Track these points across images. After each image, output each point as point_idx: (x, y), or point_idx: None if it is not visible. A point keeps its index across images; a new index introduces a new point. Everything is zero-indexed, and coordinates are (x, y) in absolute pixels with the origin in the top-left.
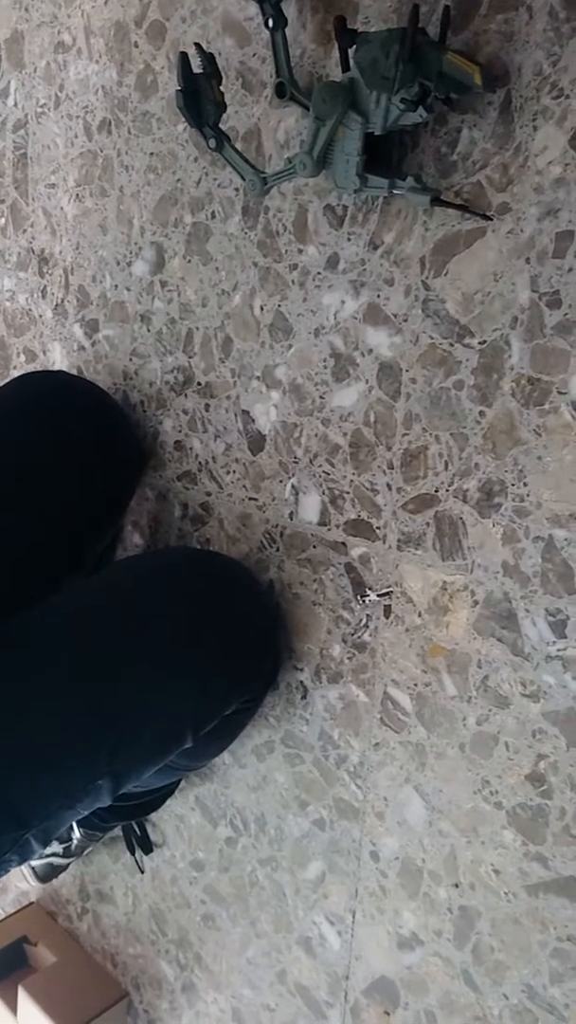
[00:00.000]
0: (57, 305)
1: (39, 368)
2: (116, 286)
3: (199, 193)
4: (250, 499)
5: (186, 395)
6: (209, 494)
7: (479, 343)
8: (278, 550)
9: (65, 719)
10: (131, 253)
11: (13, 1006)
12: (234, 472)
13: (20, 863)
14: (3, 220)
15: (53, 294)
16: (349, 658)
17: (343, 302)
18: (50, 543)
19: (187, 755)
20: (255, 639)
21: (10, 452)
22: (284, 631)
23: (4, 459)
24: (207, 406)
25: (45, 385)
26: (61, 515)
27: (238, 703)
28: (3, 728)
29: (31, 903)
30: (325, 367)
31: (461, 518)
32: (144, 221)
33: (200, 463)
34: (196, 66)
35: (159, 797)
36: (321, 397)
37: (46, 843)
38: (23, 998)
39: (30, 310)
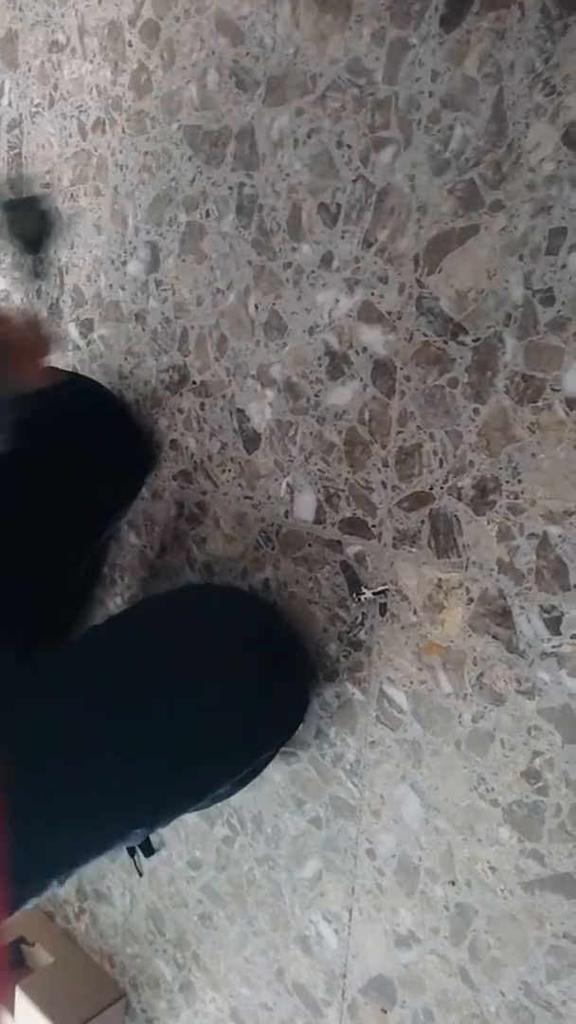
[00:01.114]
0: (52, 305)
1: None
2: (111, 285)
3: (193, 192)
4: (246, 498)
5: (181, 394)
6: (205, 493)
7: (473, 340)
8: (274, 548)
9: (108, 776)
10: (125, 252)
11: (11, 1007)
12: (230, 471)
13: (37, 901)
14: None
15: (48, 293)
16: (345, 656)
17: (337, 300)
18: (53, 540)
19: (212, 799)
20: (295, 694)
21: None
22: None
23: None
24: (202, 405)
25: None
26: (65, 516)
27: (274, 749)
28: (44, 784)
29: None
30: (320, 365)
31: (456, 515)
32: (138, 220)
33: (196, 462)
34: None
35: None
36: (316, 395)
37: (63, 883)
38: (21, 998)
39: (25, 309)
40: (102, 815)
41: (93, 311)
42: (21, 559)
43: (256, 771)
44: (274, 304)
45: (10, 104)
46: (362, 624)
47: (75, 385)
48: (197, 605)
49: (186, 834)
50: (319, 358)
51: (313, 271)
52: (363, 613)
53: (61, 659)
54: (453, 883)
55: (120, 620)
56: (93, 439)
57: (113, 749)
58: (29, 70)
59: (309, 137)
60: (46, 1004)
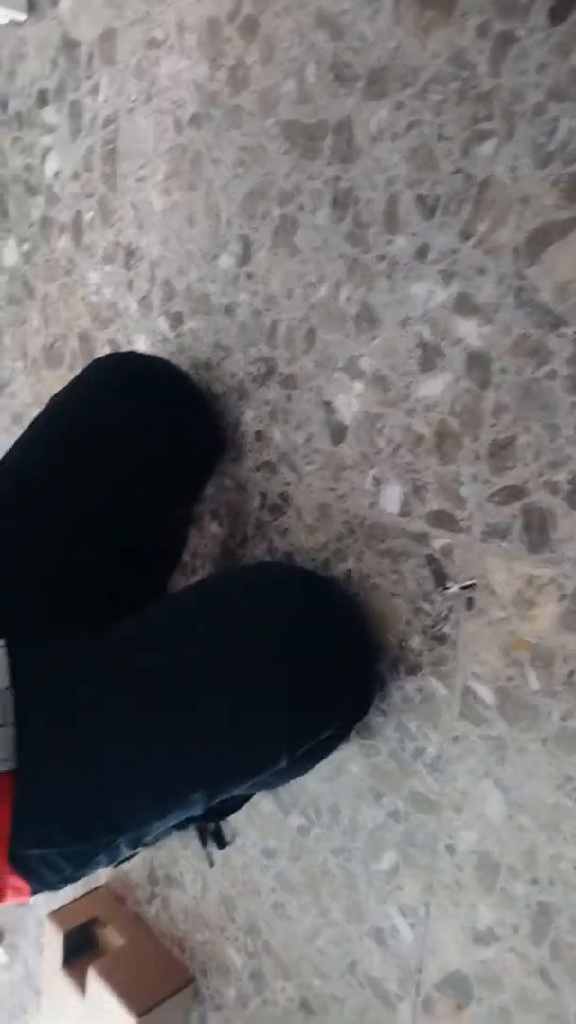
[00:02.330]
0: (143, 298)
1: None
2: (202, 279)
3: (288, 186)
4: (330, 489)
5: (268, 386)
6: (288, 484)
7: (574, 333)
8: (357, 540)
9: (165, 734)
10: (218, 246)
11: (83, 987)
12: (314, 462)
13: (107, 864)
14: (91, 214)
15: (139, 287)
16: (429, 650)
17: (432, 292)
18: (126, 522)
19: (276, 774)
20: (358, 666)
21: (89, 429)
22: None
23: (84, 435)
24: (289, 397)
25: (130, 366)
26: (137, 495)
27: (333, 729)
28: (103, 739)
29: (100, 886)
30: (411, 357)
31: (550, 510)
32: (231, 214)
33: (280, 453)
34: None
35: (237, 804)
36: (406, 387)
37: (135, 847)
38: (93, 979)
39: (115, 303)
40: (160, 773)
41: (183, 304)
42: (98, 531)
43: (318, 754)
44: (366, 297)
45: (106, 100)
46: (447, 618)
47: (148, 361)
48: (262, 578)
49: (260, 823)
50: (411, 350)
51: (408, 263)
52: (449, 607)
53: (123, 627)
54: (535, 881)
55: (192, 586)
56: (167, 412)
57: (169, 707)
58: (126, 67)
59: (409, 130)
60: (118, 986)
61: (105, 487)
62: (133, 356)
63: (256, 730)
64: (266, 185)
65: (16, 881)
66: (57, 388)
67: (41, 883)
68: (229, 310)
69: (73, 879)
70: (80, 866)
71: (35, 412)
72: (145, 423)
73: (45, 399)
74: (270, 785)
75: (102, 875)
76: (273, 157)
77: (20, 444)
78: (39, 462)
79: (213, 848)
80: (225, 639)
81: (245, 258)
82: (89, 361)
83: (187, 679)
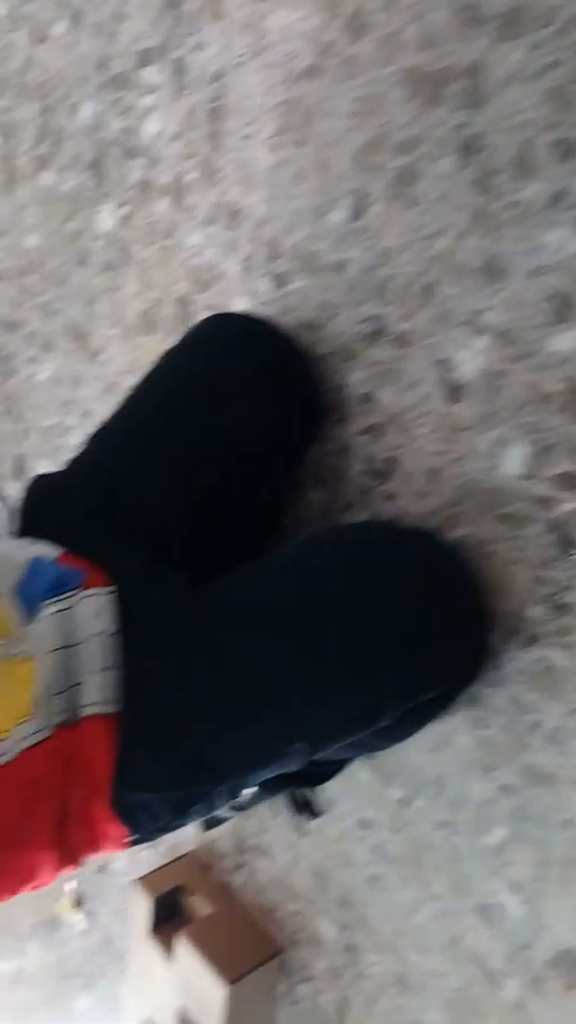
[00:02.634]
0: (245, 259)
1: None
2: (309, 236)
3: (407, 136)
4: (442, 452)
5: (378, 345)
6: (396, 447)
7: None
8: (472, 505)
9: (270, 683)
10: (328, 202)
11: (170, 953)
12: (426, 424)
13: (203, 815)
14: (193, 175)
15: (242, 248)
16: (550, 620)
17: (566, 240)
18: (228, 483)
19: (377, 734)
20: (469, 632)
21: (193, 391)
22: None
23: (186, 397)
24: (400, 356)
25: (235, 327)
26: (239, 457)
27: (438, 691)
28: (206, 686)
29: (185, 854)
30: (542, 310)
31: None
32: (344, 168)
33: (388, 416)
34: None
35: (333, 770)
36: (535, 342)
37: (231, 798)
38: (182, 946)
39: (216, 265)
40: (263, 720)
41: (288, 264)
42: (201, 492)
43: (420, 718)
44: (492, 247)
45: (212, 57)
46: (570, 588)
47: (253, 321)
48: (368, 535)
49: (358, 793)
50: (542, 302)
51: (540, 211)
52: (573, 576)
53: (231, 576)
54: None
55: (306, 537)
56: (271, 374)
57: (274, 656)
58: (233, 22)
59: (546, 72)
60: (208, 953)
61: (208, 449)
62: (237, 317)
63: (361, 683)
64: (383, 136)
65: (116, 828)
66: (153, 355)
67: (139, 831)
68: (338, 268)
69: (169, 829)
70: (179, 814)
71: (129, 381)
72: (248, 386)
73: (140, 367)
74: (370, 747)
75: (188, 843)
76: (392, 107)
77: (127, 404)
78: (146, 422)
79: (305, 818)
80: (335, 592)
81: (358, 213)
82: (187, 326)
83: (294, 629)
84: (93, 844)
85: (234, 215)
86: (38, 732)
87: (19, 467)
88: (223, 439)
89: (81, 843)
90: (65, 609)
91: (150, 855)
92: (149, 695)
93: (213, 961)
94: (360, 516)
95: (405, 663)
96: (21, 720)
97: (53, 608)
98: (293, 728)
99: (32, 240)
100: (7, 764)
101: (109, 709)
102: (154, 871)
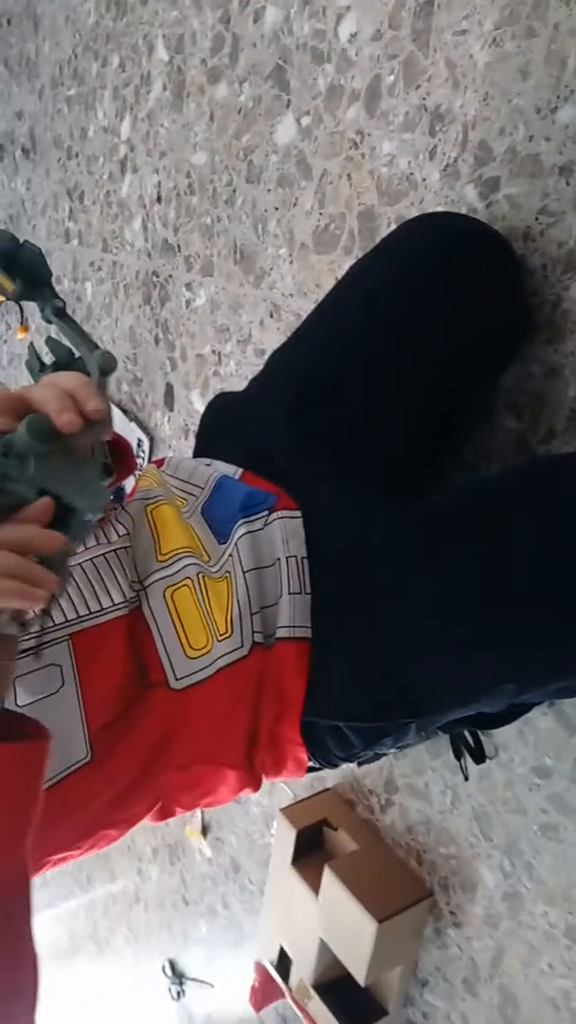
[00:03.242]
0: (447, 166)
1: None
2: (531, 137)
3: None
4: None
5: None
6: None
7: None
8: None
9: (493, 615)
10: (559, 98)
11: (314, 884)
12: None
13: (392, 747)
14: (392, 77)
15: (444, 153)
16: None
17: None
18: (420, 397)
19: None
20: None
21: (390, 292)
22: None
23: (380, 301)
24: None
25: (442, 224)
26: (435, 367)
27: None
28: (419, 612)
29: (327, 788)
30: None
31: None
32: None
33: None
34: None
35: (514, 715)
36: None
37: (422, 731)
38: (329, 879)
39: (411, 174)
40: (480, 655)
41: (502, 168)
42: (391, 405)
43: None
44: None
45: None
46: None
47: (466, 223)
48: None
49: (535, 740)
50: None
51: None
52: None
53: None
54: None
55: (513, 468)
56: (478, 282)
57: (502, 585)
58: None
59: None
60: (356, 889)
61: (402, 360)
62: (447, 215)
63: None
64: None
65: (300, 752)
66: (326, 275)
67: (323, 757)
68: (566, 170)
69: (353, 759)
70: (369, 743)
71: (296, 304)
72: (453, 288)
73: (309, 290)
74: (567, 693)
75: (328, 778)
76: None
77: (313, 318)
78: (334, 329)
79: (468, 761)
80: (547, 526)
81: None
82: (371, 243)
83: (525, 557)
84: (277, 766)
85: (438, 118)
86: (236, 650)
87: (169, 396)
88: (419, 346)
89: (266, 764)
90: (257, 530)
91: (287, 788)
92: (344, 622)
93: (361, 898)
94: (565, 447)
95: None
96: (222, 637)
97: (244, 529)
98: (508, 667)
99: (199, 158)
100: (207, 680)
101: (302, 634)
102: (297, 803)
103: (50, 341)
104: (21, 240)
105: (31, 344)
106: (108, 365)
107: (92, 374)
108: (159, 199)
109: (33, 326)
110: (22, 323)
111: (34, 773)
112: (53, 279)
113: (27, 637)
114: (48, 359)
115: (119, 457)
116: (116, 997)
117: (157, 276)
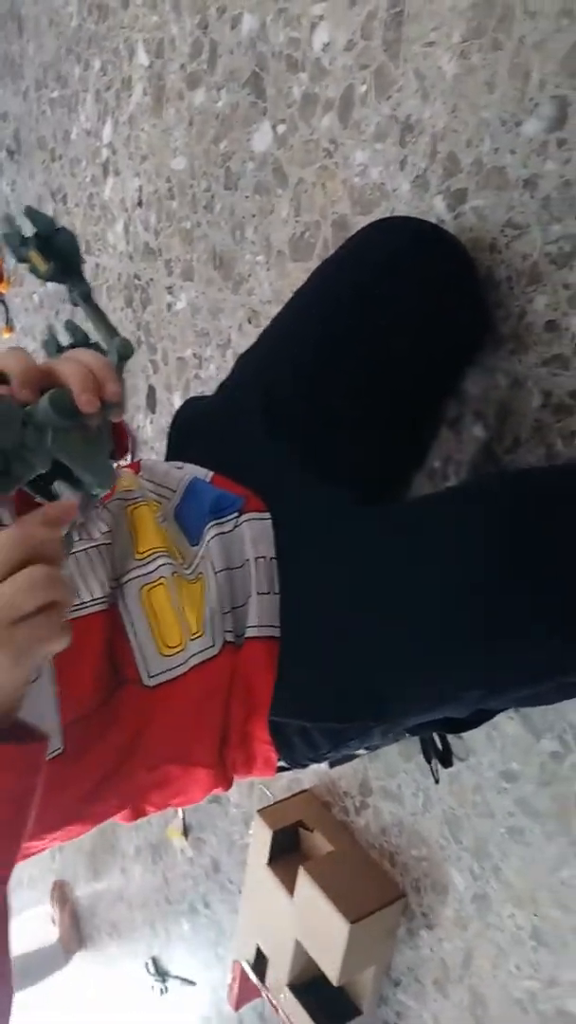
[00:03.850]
0: (417, 176)
1: None
2: (496, 149)
3: None
4: None
5: (571, 268)
6: None
7: None
8: None
9: (460, 619)
10: (523, 111)
11: (289, 885)
12: None
13: (356, 749)
14: (365, 87)
15: (414, 164)
16: None
17: None
18: (382, 400)
19: (557, 687)
20: None
21: (351, 296)
22: None
23: (343, 304)
24: None
25: (402, 230)
26: (397, 371)
27: None
28: (383, 615)
29: (304, 790)
30: None
31: None
32: (546, 73)
33: None
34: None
35: (480, 719)
36: None
37: (386, 735)
38: (304, 880)
39: (383, 184)
40: (445, 659)
41: (468, 180)
42: (355, 409)
43: None
44: None
45: None
46: None
47: (427, 228)
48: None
49: (503, 744)
50: None
51: None
52: None
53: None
54: None
55: (486, 475)
56: (437, 286)
57: (468, 588)
58: None
59: None
60: (330, 890)
61: (365, 363)
62: (408, 220)
63: (565, 628)
64: None
65: (269, 751)
66: (301, 282)
67: (291, 757)
68: (530, 183)
69: (321, 760)
70: (336, 745)
71: (273, 310)
72: (415, 293)
73: (285, 297)
74: (536, 701)
75: (304, 780)
76: None
77: (279, 322)
78: (301, 332)
79: (440, 765)
80: (541, 525)
81: (559, 122)
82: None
83: (491, 559)
84: (247, 765)
85: (408, 129)
86: (207, 649)
87: (152, 399)
88: (385, 351)
89: (236, 763)
90: (227, 532)
91: (265, 790)
92: (311, 623)
93: (335, 899)
94: (530, 456)
95: None
96: (194, 636)
97: (215, 531)
98: (475, 672)
99: (178, 163)
100: (179, 678)
101: (270, 633)
102: (274, 804)
103: (69, 324)
104: (58, 225)
105: (50, 326)
106: (126, 351)
107: (111, 359)
108: (140, 203)
109: (19, 326)
110: (7, 323)
111: (34, 774)
112: (18, 241)
113: None
114: (65, 340)
115: (117, 438)
116: (101, 993)
117: (139, 279)
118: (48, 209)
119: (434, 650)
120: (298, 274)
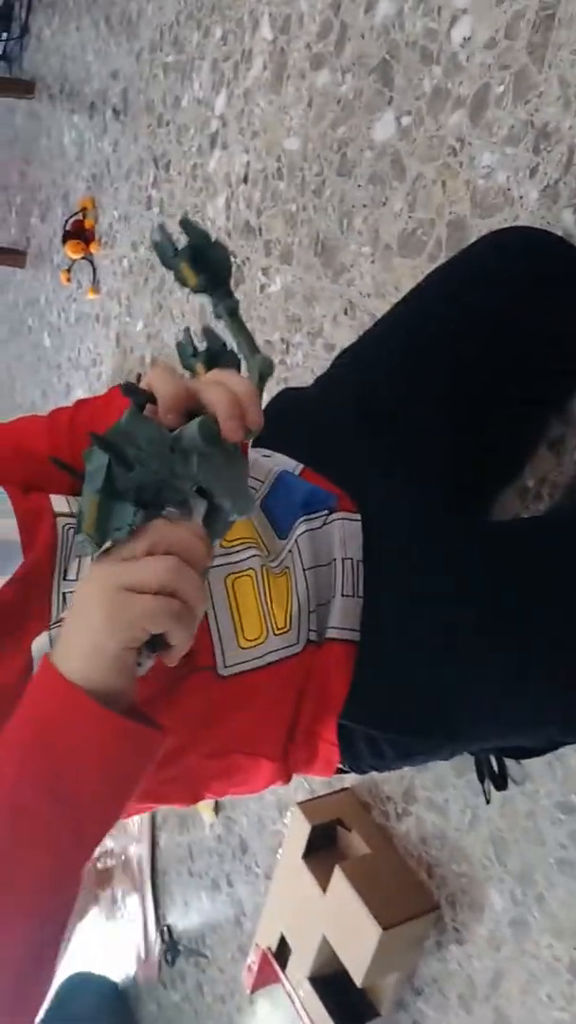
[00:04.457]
0: (547, 186)
1: None
2: None
3: None
4: None
5: None
6: None
7: None
8: None
9: (549, 650)
10: None
11: (322, 881)
12: None
13: (423, 763)
14: (502, 88)
15: (546, 173)
16: None
17: None
18: (483, 413)
19: None
20: None
21: (470, 307)
22: None
23: (462, 315)
24: None
25: (536, 246)
26: (510, 388)
27: None
28: (488, 646)
29: (344, 788)
30: None
31: None
32: None
33: None
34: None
35: (547, 748)
36: None
37: (453, 754)
38: (339, 879)
39: (509, 189)
40: (528, 689)
41: None
42: (453, 411)
43: None
44: None
45: None
46: None
47: (560, 244)
48: None
49: (564, 775)
50: None
51: None
52: None
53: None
54: None
55: None
56: (552, 299)
57: (559, 618)
58: None
59: None
60: (365, 892)
61: (474, 376)
62: (548, 237)
63: None
64: None
65: (333, 753)
66: (407, 279)
67: (353, 760)
68: None
69: (382, 769)
70: (402, 757)
71: (373, 305)
72: (535, 315)
73: (387, 292)
74: None
75: (348, 778)
76: None
77: (387, 321)
78: (411, 338)
79: (491, 786)
80: None
81: None
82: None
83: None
84: (308, 763)
85: (544, 136)
86: (291, 646)
87: None
88: (494, 365)
89: (299, 759)
90: (316, 528)
91: (305, 782)
92: (394, 632)
93: (369, 903)
94: None
95: None
96: (280, 631)
97: (305, 527)
98: (554, 707)
99: (292, 143)
100: (256, 671)
101: (350, 637)
102: (314, 799)
103: (207, 331)
104: (213, 238)
105: (187, 328)
106: (267, 370)
107: (252, 377)
108: (246, 179)
109: (104, 289)
110: (93, 285)
111: (149, 758)
112: (170, 251)
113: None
114: (201, 346)
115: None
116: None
117: (234, 256)
118: (149, 175)
119: (521, 688)
120: (403, 270)
